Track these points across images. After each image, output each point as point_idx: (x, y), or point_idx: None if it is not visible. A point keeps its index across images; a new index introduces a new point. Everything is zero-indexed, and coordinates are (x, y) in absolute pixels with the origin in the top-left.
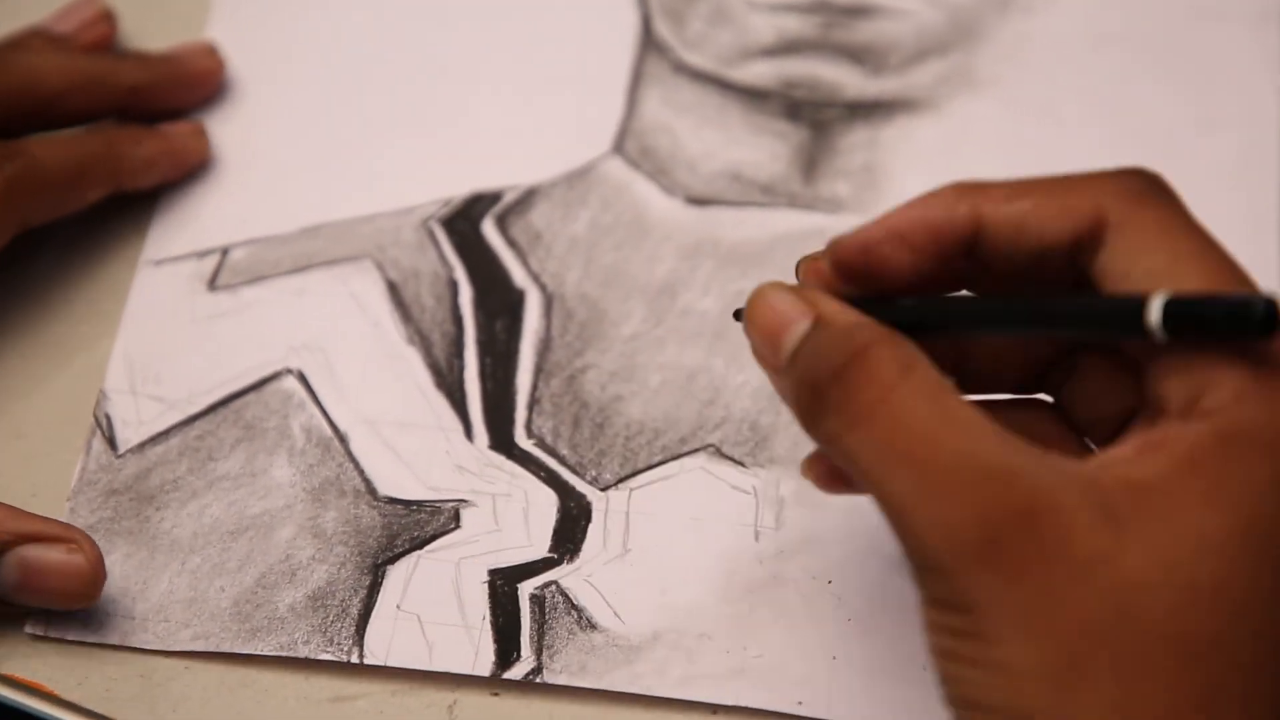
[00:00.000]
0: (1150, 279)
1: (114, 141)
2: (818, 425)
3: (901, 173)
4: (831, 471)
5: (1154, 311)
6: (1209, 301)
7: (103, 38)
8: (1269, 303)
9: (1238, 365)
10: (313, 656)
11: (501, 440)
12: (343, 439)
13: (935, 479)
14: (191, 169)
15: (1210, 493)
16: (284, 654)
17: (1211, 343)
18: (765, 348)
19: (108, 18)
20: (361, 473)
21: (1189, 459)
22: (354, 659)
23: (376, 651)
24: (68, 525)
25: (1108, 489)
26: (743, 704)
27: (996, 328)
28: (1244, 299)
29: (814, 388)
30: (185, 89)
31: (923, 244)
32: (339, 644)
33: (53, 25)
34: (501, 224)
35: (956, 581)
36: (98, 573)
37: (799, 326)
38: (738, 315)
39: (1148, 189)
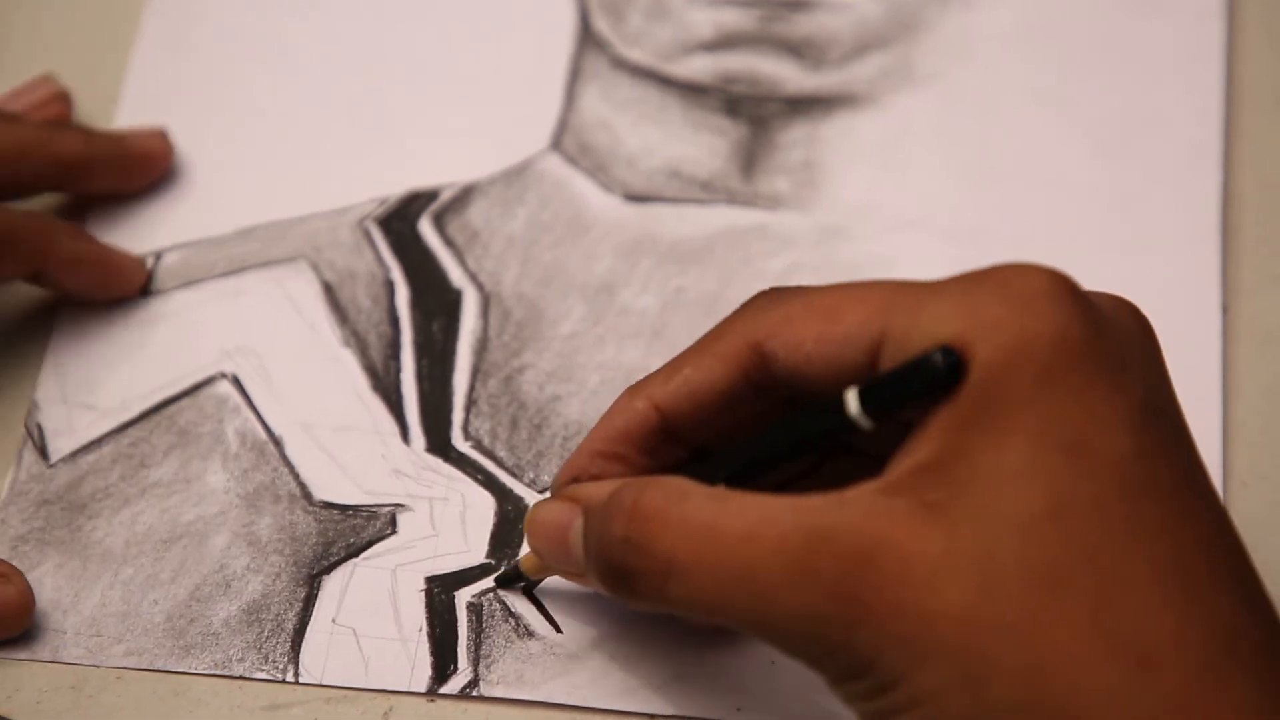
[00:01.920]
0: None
1: (50, 224)
2: (640, 595)
3: (841, 169)
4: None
5: (853, 408)
6: (892, 376)
7: (56, 118)
8: (945, 352)
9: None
10: (248, 676)
11: (438, 443)
12: (278, 443)
13: (769, 579)
14: (120, 291)
15: (991, 434)
16: (219, 673)
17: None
18: (558, 557)
19: (62, 98)
20: (297, 477)
21: (957, 421)
22: (289, 677)
23: (312, 669)
24: None
25: (909, 487)
26: (681, 713)
27: (766, 466)
28: (920, 361)
29: (616, 566)
30: (127, 169)
31: (624, 451)
32: (274, 661)
33: (4, 104)
34: (439, 223)
35: (843, 654)
36: (28, 604)
37: (575, 524)
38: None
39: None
